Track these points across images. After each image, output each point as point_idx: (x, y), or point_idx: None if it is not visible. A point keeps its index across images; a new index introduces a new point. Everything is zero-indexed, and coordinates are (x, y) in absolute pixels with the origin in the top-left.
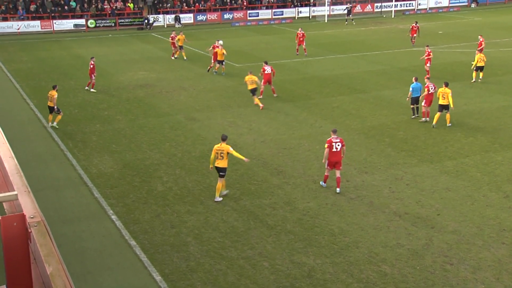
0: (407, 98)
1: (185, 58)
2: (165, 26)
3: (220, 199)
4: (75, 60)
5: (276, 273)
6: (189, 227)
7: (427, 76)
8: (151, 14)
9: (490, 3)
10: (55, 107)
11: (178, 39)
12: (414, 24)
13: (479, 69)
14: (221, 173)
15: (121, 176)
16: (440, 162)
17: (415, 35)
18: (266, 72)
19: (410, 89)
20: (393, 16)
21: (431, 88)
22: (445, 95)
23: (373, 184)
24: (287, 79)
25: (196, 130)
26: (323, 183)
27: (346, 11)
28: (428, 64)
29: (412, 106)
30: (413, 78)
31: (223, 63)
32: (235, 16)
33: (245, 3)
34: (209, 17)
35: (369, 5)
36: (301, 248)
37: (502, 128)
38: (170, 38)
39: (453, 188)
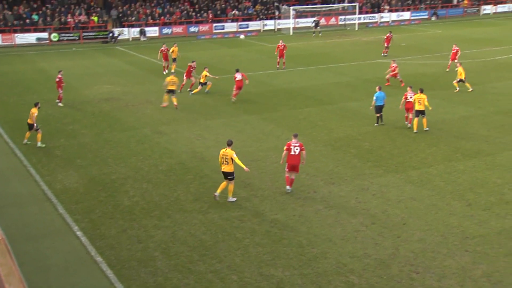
0: (371, 107)
1: (172, 70)
2: (130, 40)
3: (234, 199)
4: (38, 74)
5: (245, 286)
6: (157, 241)
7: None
8: (116, 27)
9: (449, 16)
10: (34, 124)
11: (173, 51)
12: (388, 34)
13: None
14: (228, 177)
15: (86, 191)
16: (405, 172)
17: (389, 44)
18: (237, 79)
19: (374, 98)
20: (356, 29)
21: (410, 97)
22: (421, 100)
23: (340, 195)
24: (253, 92)
25: (163, 144)
26: (288, 188)
27: (313, 24)
28: (398, 77)
29: (377, 115)
30: (377, 87)
31: (206, 84)
32: (200, 29)
33: (210, 16)
34: (175, 30)
35: (333, 18)
36: (270, 260)
37: (464, 137)
38: (160, 51)
39: (418, 198)
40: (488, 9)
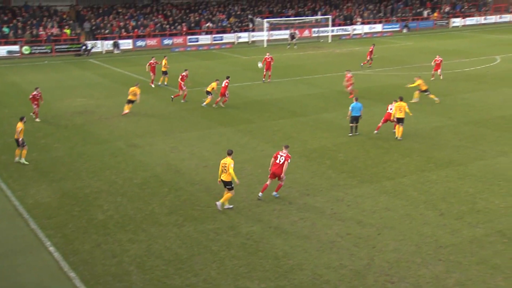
0: (347, 117)
1: (162, 83)
2: (104, 52)
3: (231, 206)
4: (9, 87)
5: None
6: (131, 255)
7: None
8: (89, 40)
9: (420, 28)
10: (20, 139)
11: (165, 64)
12: (372, 47)
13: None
14: (227, 187)
15: (59, 206)
16: (379, 182)
17: (371, 56)
18: (223, 86)
19: (350, 108)
20: (329, 41)
21: (390, 108)
22: (401, 108)
23: (315, 206)
24: (228, 104)
25: (137, 157)
26: (260, 194)
27: (290, 36)
28: (349, 88)
29: (351, 125)
30: (354, 98)
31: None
32: (174, 42)
33: (184, 29)
34: (149, 43)
35: (306, 30)
36: (246, 273)
37: (436, 148)
38: (148, 64)
39: (392, 208)
40: (457, 21)
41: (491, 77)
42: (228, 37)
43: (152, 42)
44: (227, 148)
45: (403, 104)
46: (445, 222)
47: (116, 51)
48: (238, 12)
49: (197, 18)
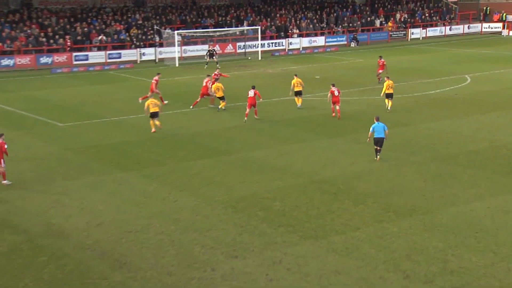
0: (368, 139)
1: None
2: None
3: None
4: None
5: None
6: None
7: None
8: None
9: (372, 42)
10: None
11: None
12: (379, 59)
13: (389, 96)
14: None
15: None
16: (326, 237)
17: (381, 71)
18: (249, 95)
19: (371, 129)
20: (259, 58)
21: (336, 92)
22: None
23: (246, 271)
24: (130, 141)
25: (4, 215)
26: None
27: (207, 54)
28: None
29: (376, 148)
30: (375, 117)
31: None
32: (55, 60)
33: (68, 43)
34: (19, 62)
35: (230, 45)
36: None
37: (396, 191)
38: (154, 81)
39: (343, 270)
40: (416, 33)
41: (461, 101)
42: (128, 54)
43: (24, 60)
44: (128, 199)
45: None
46: (412, 287)
47: None
48: (140, 22)
49: (85, 29)
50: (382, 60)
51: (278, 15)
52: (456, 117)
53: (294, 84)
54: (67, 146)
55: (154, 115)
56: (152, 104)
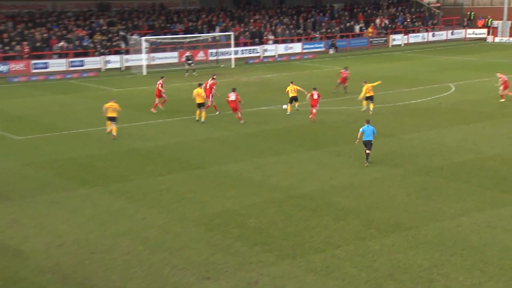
0: (357, 141)
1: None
2: None
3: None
4: None
5: None
6: None
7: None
8: None
9: (351, 48)
10: None
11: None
12: (344, 71)
13: (369, 99)
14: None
15: None
16: (304, 256)
17: (341, 84)
18: (230, 99)
19: (360, 130)
20: (233, 66)
21: (315, 95)
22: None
23: None
24: (95, 154)
25: None
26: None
27: (185, 59)
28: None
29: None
30: (365, 120)
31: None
32: (12, 68)
33: (26, 50)
34: None
35: (201, 52)
36: None
37: (378, 206)
38: (159, 85)
39: None
40: (398, 39)
41: (445, 111)
42: (92, 62)
43: None
44: (92, 217)
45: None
46: None
47: None
48: (105, 27)
49: (45, 34)
50: (347, 72)
51: (252, 20)
52: (440, 127)
53: (289, 90)
54: (26, 161)
55: (111, 119)
56: (111, 109)
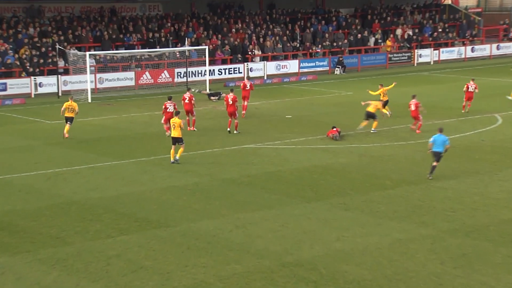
0: (428, 151)
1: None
2: None
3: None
4: None
5: None
6: None
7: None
8: None
9: (363, 67)
10: None
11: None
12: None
13: (385, 104)
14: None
15: None
16: None
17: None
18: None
19: (431, 140)
20: (208, 90)
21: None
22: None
23: None
24: (20, 209)
25: None
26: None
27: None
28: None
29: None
30: (438, 128)
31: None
32: None
33: None
34: None
35: (165, 72)
36: None
37: (402, 279)
38: (188, 100)
39: None
40: (426, 55)
41: (489, 150)
42: (18, 85)
43: None
44: None
45: (374, 103)
46: None
47: None
48: (36, 39)
49: None
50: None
51: (233, 30)
52: (483, 172)
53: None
54: None
55: (68, 120)
56: (69, 109)
